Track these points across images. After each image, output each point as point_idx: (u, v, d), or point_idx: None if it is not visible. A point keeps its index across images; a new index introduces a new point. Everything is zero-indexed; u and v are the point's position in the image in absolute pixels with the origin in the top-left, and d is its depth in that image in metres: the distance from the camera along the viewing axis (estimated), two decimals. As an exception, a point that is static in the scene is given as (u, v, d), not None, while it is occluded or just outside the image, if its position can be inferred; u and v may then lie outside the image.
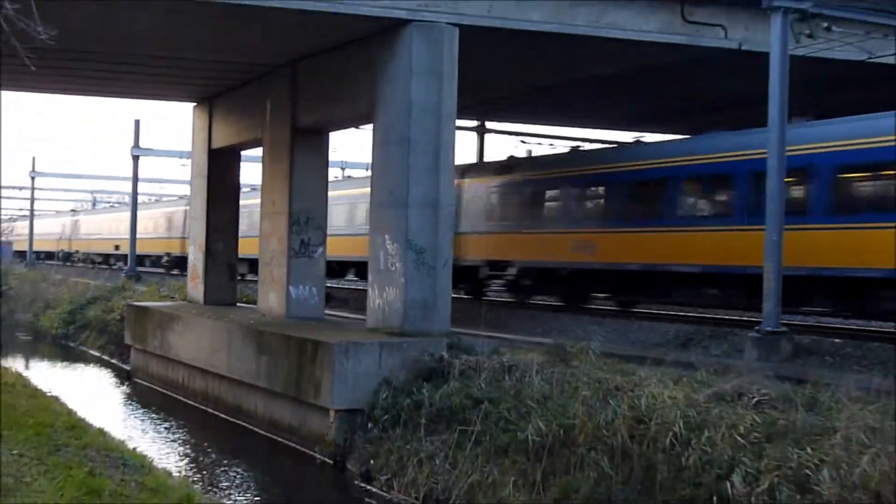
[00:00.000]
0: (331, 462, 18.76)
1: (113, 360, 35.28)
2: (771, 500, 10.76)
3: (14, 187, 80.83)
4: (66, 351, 40.49)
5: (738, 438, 11.89)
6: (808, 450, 10.95)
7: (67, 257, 78.98)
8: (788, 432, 11.71)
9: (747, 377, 13.96)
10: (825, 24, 20.47)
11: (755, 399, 12.74)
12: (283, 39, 23.80)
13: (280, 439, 21.01)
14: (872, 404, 11.42)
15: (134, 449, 13.58)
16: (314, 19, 20.89)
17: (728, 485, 11.20)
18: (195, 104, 33.04)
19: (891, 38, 21.97)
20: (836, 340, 18.84)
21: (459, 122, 24.19)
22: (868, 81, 25.10)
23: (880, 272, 19.95)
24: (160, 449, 19.90)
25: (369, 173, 25.51)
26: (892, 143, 20.09)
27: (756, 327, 19.07)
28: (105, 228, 70.39)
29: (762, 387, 13.31)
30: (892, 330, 20.15)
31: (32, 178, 74.17)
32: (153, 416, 24.98)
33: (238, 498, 17.30)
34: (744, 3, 21.98)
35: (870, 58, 22.75)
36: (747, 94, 22.17)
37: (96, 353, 38.06)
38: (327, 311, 27.08)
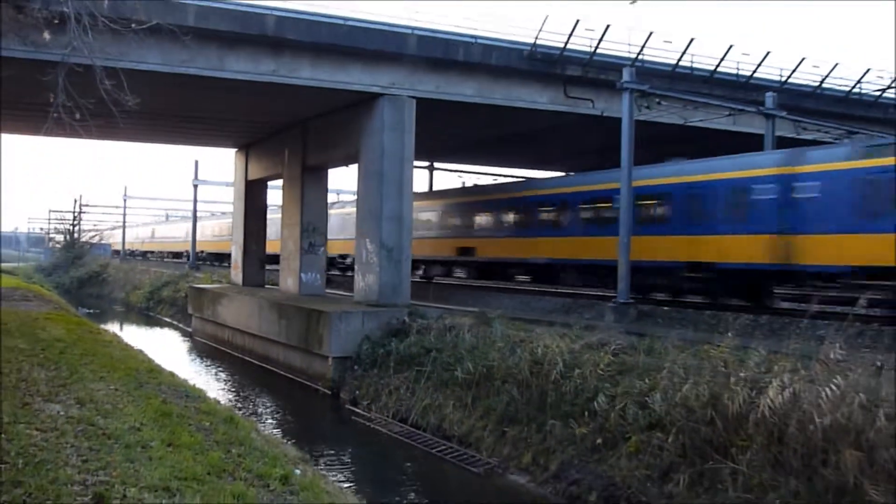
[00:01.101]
0: (329, 392, 18.70)
1: (179, 325, 34.75)
2: (622, 414, 10.93)
3: (112, 206, 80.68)
4: (147, 318, 39.82)
5: (601, 373, 12.02)
6: (647, 380, 11.10)
7: (146, 255, 77.86)
8: (634, 369, 11.86)
9: (607, 333, 14.10)
10: (657, 100, 20.77)
11: (612, 347, 12.90)
12: (298, 106, 23.62)
13: (294, 378, 20.88)
14: (688, 350, 11.60)
15: (194, 385, 13.44)
16: (321, 93, 20.89)
17: (595, 404, 11.35)
18: (237, 150, 32.66)
19: (699, 110, 22.37)
20: (666, 308, 19.05)
21: (416, 163, 24.16)
22: (684, 138, 25.49)
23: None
24: (211, 384, 19.67)
25: (354, 198, 25.58)
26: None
27: (613, 299, 19.28)
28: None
29: (617, 339, 13.50)
30: (696, 300, 20.35)
31: (125, 200, 73.67)
32: (207, 362, 24.67)
33: (266, 415, 17.19)
34: (605, 85, 22.22)
35: (685, 122, 23.16)
36: (608, 144, 22.47)
37: (168, 320, 37.49)
38: (328, 290, 26.98)
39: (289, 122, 26.18)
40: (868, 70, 26.56)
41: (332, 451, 14.00)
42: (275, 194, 35.76)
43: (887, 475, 7.75)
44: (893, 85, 26.95)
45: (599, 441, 10.97)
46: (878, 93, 27.12)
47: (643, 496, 9.81)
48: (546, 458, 11.65)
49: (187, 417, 9.41)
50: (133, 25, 12.33)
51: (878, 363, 9.24)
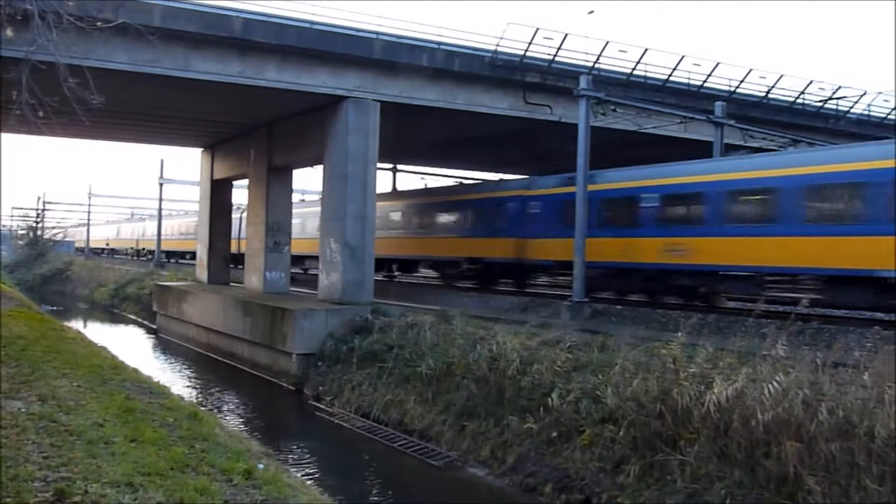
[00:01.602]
0: (293, 388, 18.56)
1: (144, 322, 34.13)
2: (576, 408, 11.04)
3: (76, 204, 78.80)
4: (112, 315, 39.04)
5: (556, 369, 12.13)
6: (600, 376, 11.23)
7: (112, 252, 76.30)
8: (588, 365, 11.99)
9: (563, 330, 14.23)
10: (612, 107, 21.00)
11: (567, 344, 13.00)
12: (264, 108, 23.38)
13: (259, 374, 20.66)
14: (639, 347, 11.77)
15: (158, 381, 13.23)
16: (287, 95, 20.71)
17: (550, 399, 11.44)
18: (203, 149, 32.21)
19: (653, 117, 22.68)
20: (618, 307, 19.25)
21: (380, 165, 24.08)
22: (638, 144, 25.80)
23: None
24: (176, 381, 19.37)
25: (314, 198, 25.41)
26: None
27: (568, 298, 19.43)
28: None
29: (572, 336, 13.61)
30: (646, 300, 20.60)
31: (89, 198, 72.16)
32: (172, 359, 24.29)
33: (230, 411, 16.99)
34: (563, 92, 22.39)
35: (639, 129, 23.44)
36: (565, 149, 22.61)
37: (133, 317, 36.80)
38: (292, 288, 26.77)
39: (255, 122, 25.90)
40: (811, 82, 27.24)
41: (296, 446, 13.90)
42: (240, 193, 35.43)
43: (825, 466, 7.96)
44: (834, 96, 27.68)
45: (555, 434, 11.07)
46: (819, 103, 27.80)
47: (596, 487, 9.92)
48: (504, 451, 11.71)
49: (151, 413, 9.25)
50: (99, 24, 12.05)
51: (819, 360, 9.46)
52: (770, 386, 8.62)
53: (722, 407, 8.90)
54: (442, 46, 21.78)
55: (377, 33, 20.81)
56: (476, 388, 13.10)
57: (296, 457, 13.08)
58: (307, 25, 19.90)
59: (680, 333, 10.60)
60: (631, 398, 10.05)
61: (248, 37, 19.06)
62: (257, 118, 25.24)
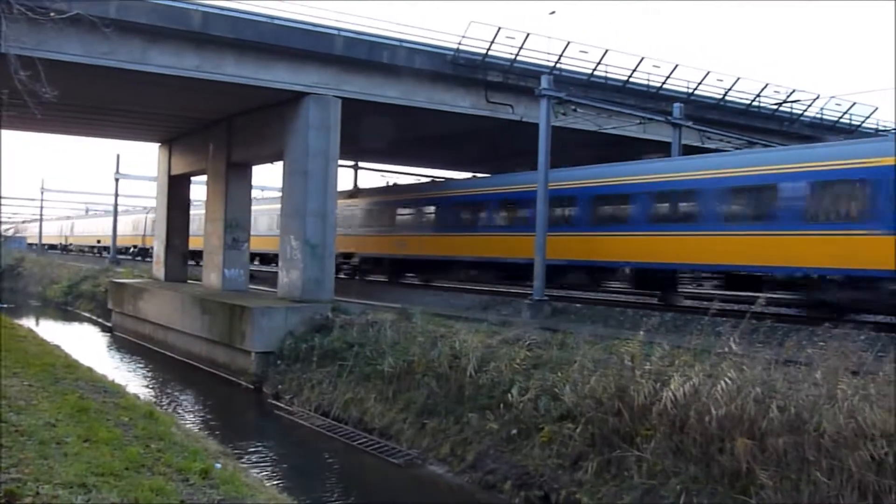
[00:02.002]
0: (252, 387, 18.37)
1: (99, 320, 33.44)
2: (536, 405, 11.12)
3: (29, 199, 76.98)
4: (65, 313, 38.16)
5: (516, 367, 12.19)
6: (559, 374, 11.32)
7: (65, 248, 74.59)
8: (547, 363, 12.07)
9: (523, 329, 14.31)
10: (573, 107, 21.21)
11: (527, 342, 13.08)
12: (223, 103, 23.08)
13: (217, 373, 20.40)
14: (597, 345, 11.88)
15: (112, 380, 12.99)
16: (246, 90, 20.46)
17: (509, 396, 11.51)
18: (160, 144, 31.69)
19: (613, 118, 22.95)
20: (578, 305, 19.46)
21: (341, 162, 23.97)
22: (599, 143, 26.08)
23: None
24: (132, 380, 18.98)
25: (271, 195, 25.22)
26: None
27: (529, 297, 19.59)
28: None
29: (532, 334, 13.67)
30: (604, 297, 20.96)
31: (42, 192, 70.55)
32: (127, 358, 23.85)
33: (187, 410, 16.75)
34: (524, 91, 22.55)
35: (599, 129, 23.71)
36: (527, 148, 22.76)
37: (87, 315, 36.03)
38: (251, 286, 26.51)
39: (214, 117, 25.55)
40: (766, 85, 27.84)
41: (254, 445, 13.76)
42: (199, 189, 34.92)
43: (776, 461, 8.15)
44: (788, 99, 28.32)
45: (514, 432, 11.14)
46: (774, 106, 28.42)
47: (555, 483, 10.02)
48: (464, 448, 11.75)
49: (105, 413, 9.10)
50: (52, 14, 11.81)
51: (771, 358, 9.67)
52: (724, 383, 8.80)
53: (678, 404, 9.06)
54: (404, 44, 21.75)
55: (338, 29, 20.70)
56: (436, 385, 13.12)
57: (254, 456, 12.95)
58: (266, 20, 19.70)
59: (642, 332, 10.76)
60: (589, 395, 10.16)
61: (206, 30, 18.81)
62: (216, 113, 24.91)
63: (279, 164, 23.45)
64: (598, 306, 19.06)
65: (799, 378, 9.06)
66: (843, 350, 9.22)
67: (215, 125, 25.94)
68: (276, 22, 19.81)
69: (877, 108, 30.92)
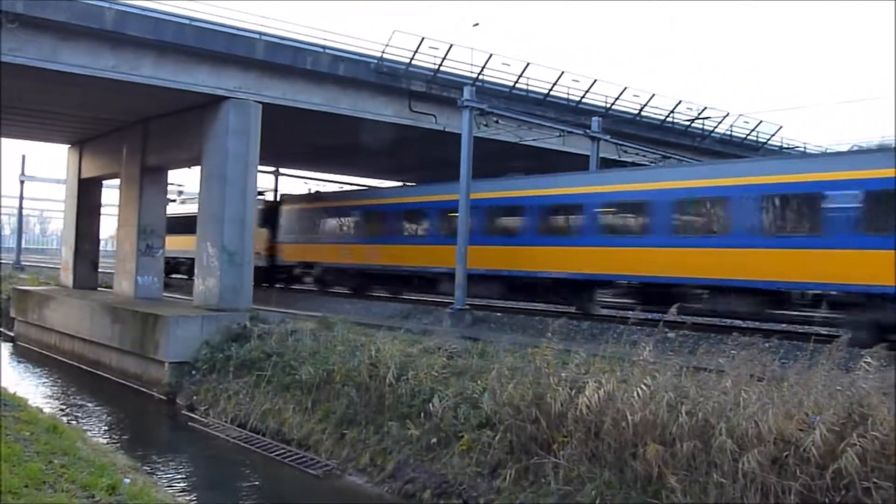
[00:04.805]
0: (165, 398, 17.76)
1: (0, 329, 31.81)
2: (455, 414, 11.16)
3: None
4: (-38, 322, 36.06)
5: (436, 376, 12.23)
6: (478, 382, 11.41)
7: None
8: (467, 371, 12.15)
9: (444, 337, 14.38)
10: (495, 119, 21.53)
11: (448, 351, 13.17)
12: (139, 105, 22.33)
13: (128, 383, 19.65)
14: (516, 353, 12.00)
15: (14, 393, 12.36)
16: (164, 93, 19.87)
17: (430, 405, 11.51)
18: (70, 146, 30.43)
19: (533, 129, 23.36)
20: (498, 314, 19.68)
21: (262, 168, 23.59)
22: (519, 154, 26.49)
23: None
24: (35, 392, 18.13)
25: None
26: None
27: (450, 306, 19.68)
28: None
29: (452, 343, 13.78)
30: (525, 307, 21.29)
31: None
32: (31, 369, 22.71)
33: (96, 423, 16.09)
34: (447, 101, 22.71)
35: (520, 140, 24.11)
36: (450, 158, 22.92)
37: (-13, 324, 34.19)
38: (166, 294, 25.72)
39: (129, 119, 24.71)
40: (680, 102, 28.93)
41: (167, 459, 13.31)
42: (111, 193, 33.76)
43: (686, 465, 8.43)
44: (700, 116, 29.51)
45: (434, 441, 11.15)
46: (687, 122, 29.55)
47: (473, 491, 10.08)
48: (383, 458, 11.69)
49: (3, 428, 8.65)
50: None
51: (685, 366, 10.00)
52: (637, 389, 9.05)
53: (593, 410, 9.26)
54: (327, 50, 21.61)
55: (260, 33, 20.40)
56: (356, 395, 13.00)
57: (167, 470, 12.53)
58: (186, 22, 19.22)
59: (549, 334, 10.96)
60: (507, 403, 10.27)
61: (122, 30, 18.18)
62: (132, 115, 24.11)
63: (197, 169, 22.91)
64: (517, 315, 19.31)
65: (710, 384, 9.39)
66: (751, 358, 9.64)
67: (130, 127, 25.08)
68: (198, 24, 19.35)
69: (781, 127, 32.59)
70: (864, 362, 8.64)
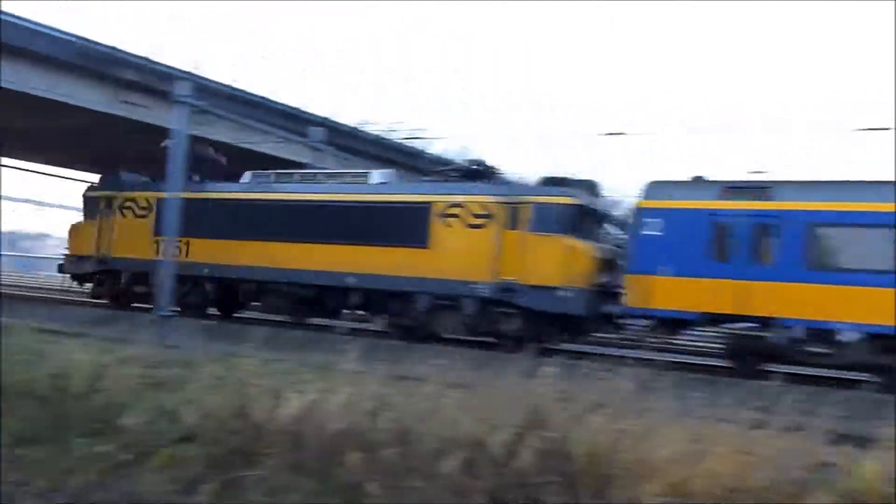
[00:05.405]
0: None
1: None
2: (152, 428, 10.46)
3: None
4: None
5: (132, 388, 11.44)
6: (180, 393, 10.89)
7: None
8: (168, 382, 11.52)
9: (143, 346, 13.53)
10: (213, 118, 21.01)
11: (147, 361, 12.39)
12: None
13: None
14: (221, 362, 11.70)
15: None
16: None
17: (123, 420, 10.70)
18: None
19: (256, 134, 23.22)
20: (204, 322, 19.07)
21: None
22: (247, 157, 25.90)
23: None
24: None
25: None
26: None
27: (154, 312, 18.69)
28: None
29: (155, 352, 13.00)
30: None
31: None
32: None
33: None
34: (162, 94, 21.55)
35: (235, 142, 23.89)
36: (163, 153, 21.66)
37: None
38: None
39: None
40: (399, 122, 30.66)
41: None
42: None
43: (386, 471, 8.72)
44: (417, 135, 31.46)
45: (128, 457, 10.32)
46: (403, 140, 31.32)
47: (168, 509, 9.48)
48: (66, 478, 10.54)
49: None
50: None
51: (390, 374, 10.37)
52: (340, 398, 9.20)
53: (296, 420, 9.23)
54: (24, 22, 19.26)
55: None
56: (37, 410, 11.61)
57: None
58: None
59: (251, 345, 10.84)
60: (210, 415, 9.87)
61: None
62: None
63: None
64: (225, 322, 18.81)
65: (413, 392, 9.83)
66: (450, 367, 10.29)
67: None
68: None
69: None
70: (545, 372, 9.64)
